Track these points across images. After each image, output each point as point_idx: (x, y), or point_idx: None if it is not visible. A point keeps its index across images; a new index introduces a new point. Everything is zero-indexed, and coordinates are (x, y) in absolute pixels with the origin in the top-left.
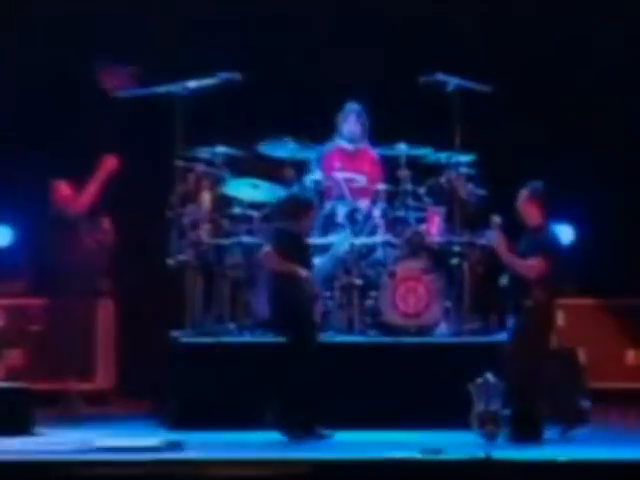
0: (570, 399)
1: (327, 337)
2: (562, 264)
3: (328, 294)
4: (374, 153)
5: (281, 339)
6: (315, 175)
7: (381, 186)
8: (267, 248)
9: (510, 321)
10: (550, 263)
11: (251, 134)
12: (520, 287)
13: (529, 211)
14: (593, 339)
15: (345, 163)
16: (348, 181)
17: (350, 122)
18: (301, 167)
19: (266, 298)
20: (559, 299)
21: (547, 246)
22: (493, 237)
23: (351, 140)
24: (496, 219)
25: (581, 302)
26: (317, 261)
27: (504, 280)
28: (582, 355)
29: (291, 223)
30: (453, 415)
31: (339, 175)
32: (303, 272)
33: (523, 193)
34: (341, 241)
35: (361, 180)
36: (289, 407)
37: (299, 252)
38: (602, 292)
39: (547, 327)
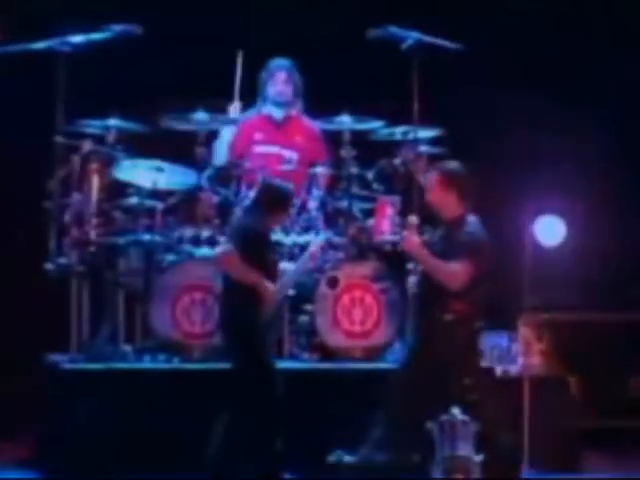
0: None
1: None
2: (491, 269)
3: None
4: (311, 123)
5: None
6: (222, 153)
7: (319, 169)
8: (229, 247)
9: (410, 338)
10: (477, 268)
11: (153, 103)
12: (436, 296)
13: (444, 200)
14: (589, 364)
15: (270, 135)
16: (272, 158)
17: (277, 81)
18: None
19: (169, 312)
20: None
21: (473, 246)
22: (408, 237)
23: (278, 105)
24: (413, 219)
25: (575, 317)
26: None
27: (412, 285)
28: (574, 385)
29: (261, 218)
30: (410, 462)
31: (260, 150)
32: (270, 286)
33: (434, 177)
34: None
35: (291, 157)
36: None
37: (264, 256)
38: (600, 305)
39: (472, 350)
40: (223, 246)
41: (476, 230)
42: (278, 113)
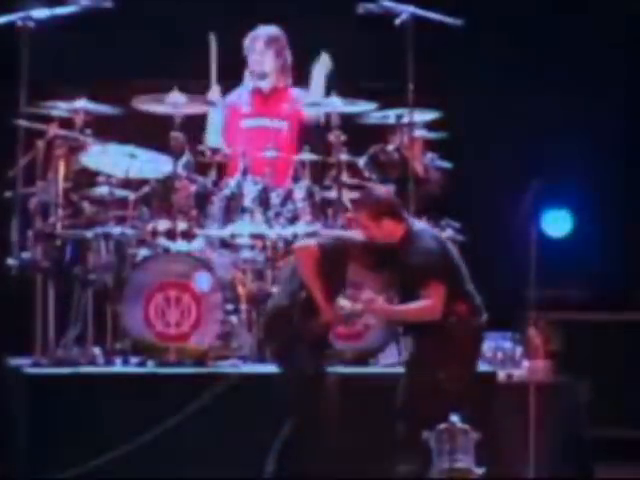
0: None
1: (229, 367)
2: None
3: (231, 307)
4: (298, 94)
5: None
6: (212, 137)
7: (306, 156)
8: (312, 242)
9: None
10: (444, 279)
11: (124, 84)
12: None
13: (384, 232)
14: (602, 368)
15: (257, 108)
16: (261, 132)
17: (255, 51)
18: (194, 128)
19: (142, 312)
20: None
21: (428, 264)
22: (368, 304)
23: (261, 76)
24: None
25: (587, 317)
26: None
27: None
28: (586, 391)
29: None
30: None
31: (248, 124)
32: (343, 303)
33: (360, 218)
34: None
35: (280, 127)
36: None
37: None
38: (613, 303)
39: (476, 351)
40: (308, 239)
41: (424, 243)
42: (264, 84)
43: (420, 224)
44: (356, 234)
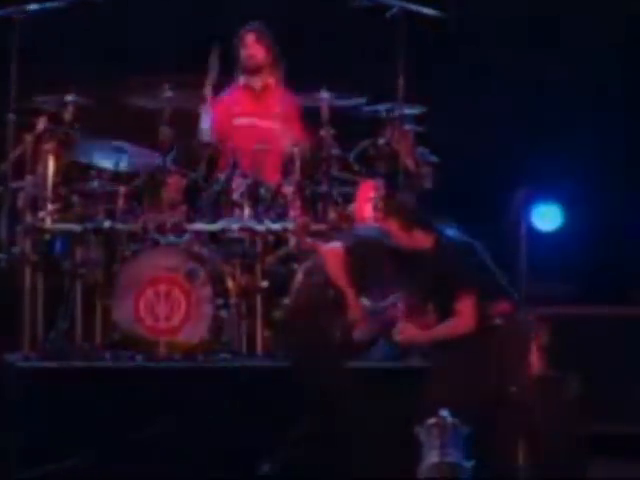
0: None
1: (219, 361)
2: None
3: (221, 301)
4: (292, 96)
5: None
6: (204, 132)
7: (296, 149)
8: (337, 244)
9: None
10: (475, 291)
11: (116, 77)
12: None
13: (414, 240)
14: (593, 363)
15: (248, 106)
16: (252, 131)
17: (246, 44)
18: (185, 122)
19: (132, 306)
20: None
21: (459, 277)
22: (403, 331)
23: (252, 71)
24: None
25: (578, 311)
26: None
27: None
28: (576, 385)
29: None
30: (394, 469)
31: (240, 122)
32: (355, 304)
33: (391, 225)
34: None
35: (271, 128)
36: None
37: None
38: (605, 297)
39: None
40: (334, 242)
41: (452, 253)
42: (255, 82)
43: (449, 231)
44: (387, 235)
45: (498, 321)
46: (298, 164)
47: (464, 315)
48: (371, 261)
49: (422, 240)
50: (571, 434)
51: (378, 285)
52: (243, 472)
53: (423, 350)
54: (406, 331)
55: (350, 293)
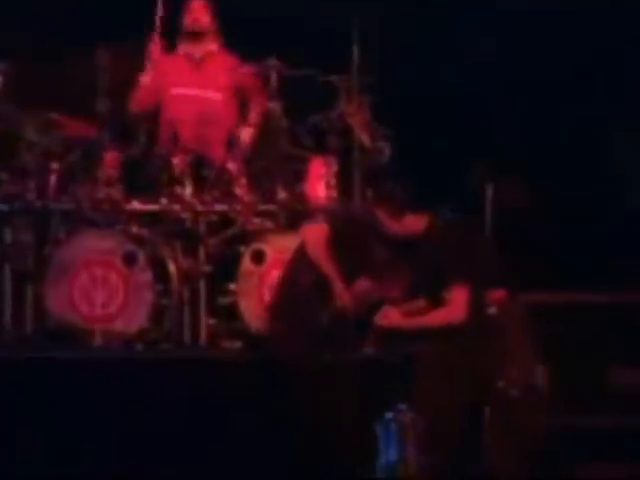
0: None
1: (159, 352)
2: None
3: (161, 286)
4: (233, 56)
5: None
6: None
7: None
8: (322, 222)
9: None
10: (470, 279)
11: (46, 43)
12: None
13: (406, 226)
14: (559, 352)
15: (189, 76)
16: (192, 102)
17: (193, 9)
18: (124, 93)
19: (65, 292)
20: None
21: (452, 265)
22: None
23: (195, 37)
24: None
25: (542, 297)
26: None
27: None
28: (542, 376)
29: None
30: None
31: (178, 93)
32: (341, 288)
33: (380, 214)
34: None
35: (214, 99)
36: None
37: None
38: (571, 283)
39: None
40: (318, 219)
41: (447, 239)
42: (195, 50)
43: (447, 215)
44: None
45: (492, 311)
46: (245, 138)
47: (456, 305)
48: (361, 243)
49: (414, 224)
50: (539, 429)
51: (367, 270)
52: (179, 468)
53: (378, 337)
54: (391, 316)
55: (337, 277)
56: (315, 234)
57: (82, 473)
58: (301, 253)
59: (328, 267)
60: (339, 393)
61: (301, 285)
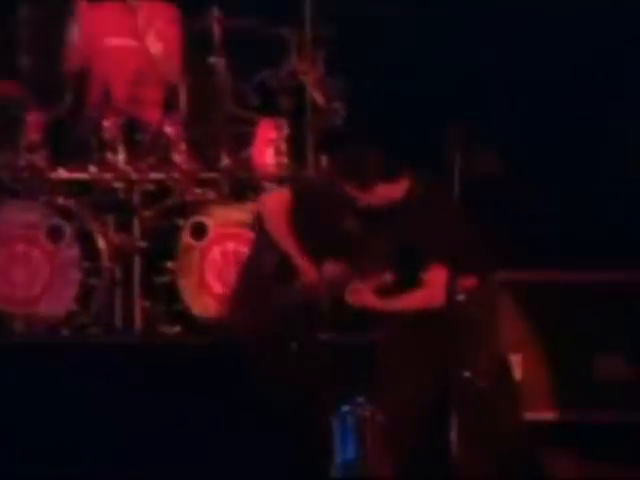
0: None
1: (88, 337)
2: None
3: (90, 264)
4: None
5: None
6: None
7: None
8: (283, 190)
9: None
10: (447, 258)
11: None
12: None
13: (379, 196)
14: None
15: (125, 24)
16: (130, 54)
17: None
18: (49, 48)
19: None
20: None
21: (440, 233)
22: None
23: None
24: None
25: (520, 277)
26: None
27: None
28: (516, 366)
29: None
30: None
31: (113, 44)
32: (306, 266)
33: (349, 186)
34: None
35: (155, 49)
36: None
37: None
38: (556, 260)
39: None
40: (278, 188)
41: (425, 211)
42: None
43: (427, 180)
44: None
45: (460, 297)
46: (184, 98)
47: (436, 287)
48: (329, 214)
49: (388, 192)
50: (516, 425)
51: (338, 245)
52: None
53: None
54: (362, 295)
55: (296, 252)
56: (272, 204)
57: None
58: (261, 229)
59: (289, 242)
60: (307, 378)
61: (265, 266)
